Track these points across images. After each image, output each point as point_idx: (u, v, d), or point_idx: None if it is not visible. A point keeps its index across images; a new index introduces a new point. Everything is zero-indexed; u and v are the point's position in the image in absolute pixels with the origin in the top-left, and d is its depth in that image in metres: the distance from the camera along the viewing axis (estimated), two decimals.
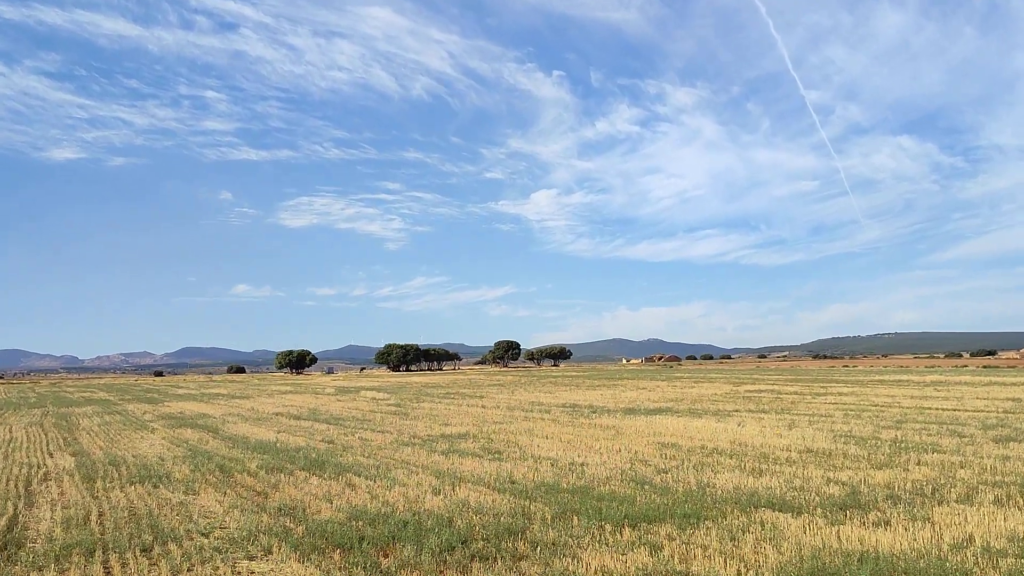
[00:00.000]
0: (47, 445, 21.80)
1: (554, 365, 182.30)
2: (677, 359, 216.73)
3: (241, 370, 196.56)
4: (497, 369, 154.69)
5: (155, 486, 13.85)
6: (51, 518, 11.32)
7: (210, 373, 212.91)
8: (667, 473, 14.00)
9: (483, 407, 33.73)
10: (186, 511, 11.48)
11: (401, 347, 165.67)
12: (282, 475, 14.65)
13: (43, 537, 10.09)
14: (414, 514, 10.75)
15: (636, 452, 17.02)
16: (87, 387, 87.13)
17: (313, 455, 17.48)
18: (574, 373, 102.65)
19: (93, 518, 11.19)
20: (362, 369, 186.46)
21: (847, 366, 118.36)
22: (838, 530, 9.48)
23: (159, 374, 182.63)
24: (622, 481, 13.24)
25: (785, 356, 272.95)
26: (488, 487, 12.90)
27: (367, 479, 13.92)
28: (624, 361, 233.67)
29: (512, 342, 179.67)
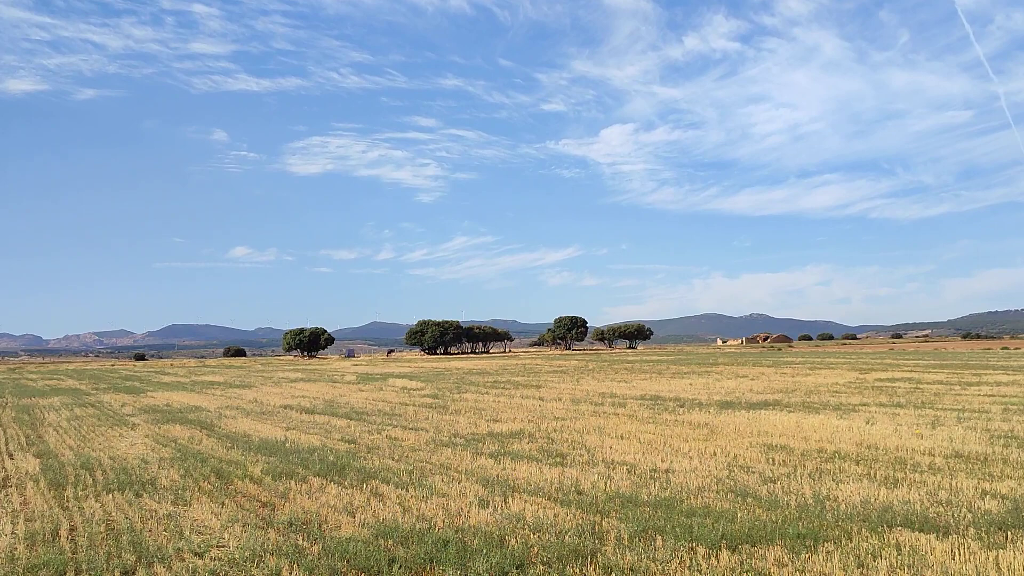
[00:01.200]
0: (6, 444, 22.65)
1: (630, 347, 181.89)
2: (787, 340, 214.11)
3: (241, 353, 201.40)
4: (558, 352, 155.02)
5: (137, 494, 14.24)
6: (12, 533, 11.70)
7: (203, 356, 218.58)
8: (775, 482, 13.89)
9: (541, 399, 33.90)
10: (175, 525, 11.76)
11: (438, 324, 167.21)
12: (292, 482, 14.92)
13: (3, 556, 10.44)
14: (456, 531, 10.82)
15: (736, 456, 17.00)
16: (53, 373, 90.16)
17: (331, 457, 17.78)
18: (655, 357, 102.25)
19: (63, 533, 11.53)
20: (389, 352, 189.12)
21: (1007, 348, 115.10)
22: (996, 556, 9.19)
23: (140, 358, 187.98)
24: (718, 492, 13.16)
25: (927, 336, 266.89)
26: (548, 498, 12.92)
27: (398, 487, 14.08)
28: (719, 342, 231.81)
29: (577, 318, 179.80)
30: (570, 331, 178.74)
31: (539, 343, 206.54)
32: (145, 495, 14.16)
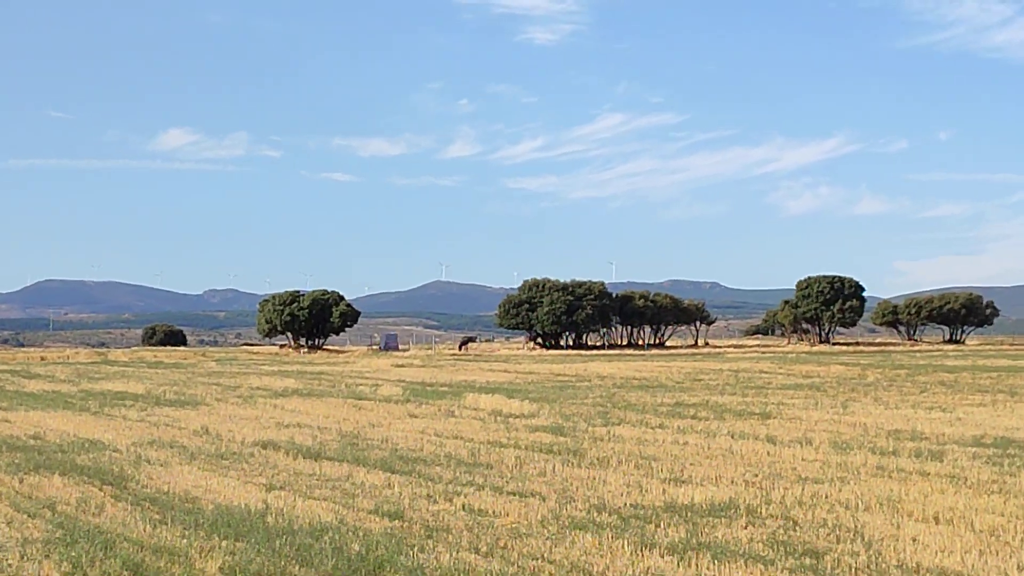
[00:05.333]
0: None
1: (951, 340, 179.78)
2: None
3: (177, 337, 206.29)
4: (803, 348, 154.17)
5: None
6: None
7: (104, 344, 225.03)
8: None
9: (770, 441, 33.73)
10: None
11: (562, 290, 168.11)
12: None
13: None
14: None
15: None
16: None
17: (356, 546, 17.95)
18: (1004, 361, 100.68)
19: None
20: (466, 341, 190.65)
21: None
22: None
23: None
24: None
25: None
26: None
27: None
28: None
29: (842, 281, 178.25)
30: (828, 306, 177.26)
31: (764, 329, 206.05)
32: None
